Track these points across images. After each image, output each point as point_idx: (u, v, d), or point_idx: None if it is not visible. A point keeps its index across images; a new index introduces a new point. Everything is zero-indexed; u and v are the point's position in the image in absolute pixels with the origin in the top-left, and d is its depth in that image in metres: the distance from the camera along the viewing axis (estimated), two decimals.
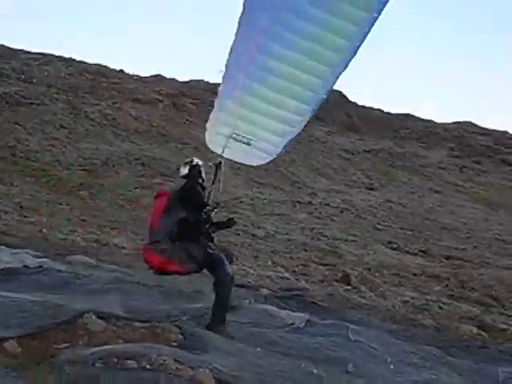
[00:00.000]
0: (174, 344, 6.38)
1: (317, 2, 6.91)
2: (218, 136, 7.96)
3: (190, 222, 7.36)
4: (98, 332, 6.36)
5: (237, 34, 7.28)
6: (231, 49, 7.38)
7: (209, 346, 6.47)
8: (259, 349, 6.89)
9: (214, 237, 7.74)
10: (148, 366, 5.33)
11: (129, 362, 5.34)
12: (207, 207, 7.53)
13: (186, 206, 7.39)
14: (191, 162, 7.70)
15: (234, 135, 7.73)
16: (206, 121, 8.10)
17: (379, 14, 6.85)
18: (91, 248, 12.53)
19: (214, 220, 7.70)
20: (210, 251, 7.41)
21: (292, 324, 8.13)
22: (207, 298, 8.74)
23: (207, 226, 7.55)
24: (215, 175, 7.72)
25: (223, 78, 7.74)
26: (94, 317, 6.54)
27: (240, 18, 7.13)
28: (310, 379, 6.24)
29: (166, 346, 6.05)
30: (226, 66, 7.60)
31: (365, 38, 6.97)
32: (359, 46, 7.10)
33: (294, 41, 7.21)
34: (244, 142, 7.80)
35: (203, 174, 7.74)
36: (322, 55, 7.31)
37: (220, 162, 7.74)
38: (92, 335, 6.26)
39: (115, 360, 5.35)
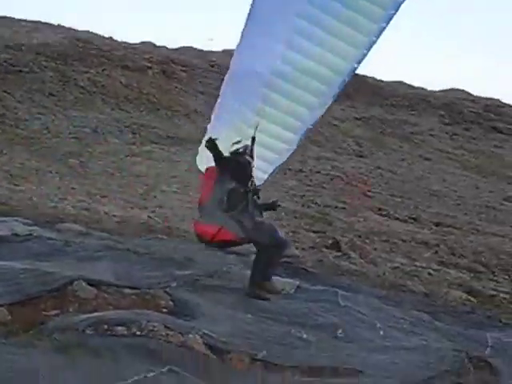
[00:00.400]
0: (164, 310, 6.41)
1: (302, 50, 7.58)
2: (209, 161, 8.11)
3: (239, 193, 7.58)
4: (89, 299, 6.38)
5: (236, 64, 7.71)
6: (231, 79, 7.75)
7: (199, 312, 6.51)
8: (249, 315, 6.92)
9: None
10: (138, 333, 5.35)
11: (119, 328, 5.37)
12: (252, 178, 7.80)
13: (234, 176, 7.61)
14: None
15: None
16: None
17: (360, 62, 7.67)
18: (81, 216, 12.49)
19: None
20: (259, 220, 7.71)
21: (282, 290, 8.16)
22: (198, 265, 8.78)
23: (255, 196, 7.79)
24: (251, 149, 7.89)
25: (219, 105, 8.14)
26: (84, 284, 6.56)
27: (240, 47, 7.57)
28: (299, 344, 6.29)
29: (155, 313, 6.08)
30: (224, 94, 7.95)
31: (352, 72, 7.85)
32: (345, 80, 7.94)
33: (293, 75, 7.77)
34: None
35: (248, 151, 7.89)
36: (315, 87, 7.92)
37: (254, 138, 7.89)
38: (82, 302, 6.28)
39: (105, 327, 5.37)
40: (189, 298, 6.92)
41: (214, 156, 7.64)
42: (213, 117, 8.31)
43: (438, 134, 35.98)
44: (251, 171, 7.84)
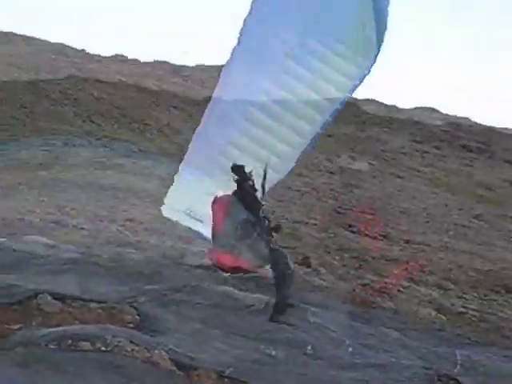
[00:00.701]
0: (131, 325, 6.30)
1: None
2: (175, 212, 8.77)
3: (253, 222, 7.86)
4: (53, 313, 6.26)
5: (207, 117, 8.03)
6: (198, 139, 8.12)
7: (165, 327, 6.41)
8: (217, 330, 6.83)
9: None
10: (103, 348, 5.24)
11: (83, 343, 5.24)
12: (263, 207, 8.07)
13: (246, 207, 7.88)
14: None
15: (188, 211, 8.52)
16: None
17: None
18: (49, 228, 12.30)
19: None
20: (273, 247, 7.93)
21: (251, 306, 8.08)
22: (166, 279, 8.67)
23: (267, 224, 8.04)
24: (264, 178, 8.19)
25: (185, 160, 8.61)
26: (48, 297, 6.43)
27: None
28: (268, 361, 6.21)
29: (121, 328, 5.96)
30: (192, 149, 8.23)
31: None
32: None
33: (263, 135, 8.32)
34: (197, 220, 8.57)
35: (253, 177, 8.12)
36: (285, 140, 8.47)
37: (265, 170, 8.21)
38: (46, 316, 6.16)
39: (69, 341, 5.25)
40: (156, 313, 6.81)
41: (239, 181, 7.92)
42: (182, 168, 8.64)
43: (408, 152, 36.19)
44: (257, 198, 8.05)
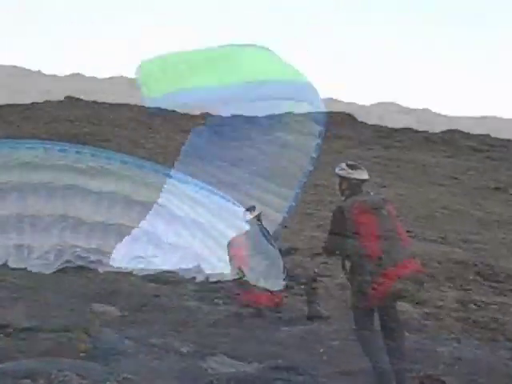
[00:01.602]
0: (82, 354, 5.75)
1: None
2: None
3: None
4: None
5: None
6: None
7: (121, 353, 5.89)
8: (183, 349, 6.34)
9: None
10: None
11: (25, 381, 4.71)
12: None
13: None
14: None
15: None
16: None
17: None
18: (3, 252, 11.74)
19: None
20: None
21: (218, 320, 7.64)
22: (126, 299, 8.19)
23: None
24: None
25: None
26: None
27: None
28: (237, 375, 5.75)
29: (69, 360, 5.40)
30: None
31: None
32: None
33: None
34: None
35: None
36: None
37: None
38: None
39: (10, 379, 4.72)
40: (112, 338, 6.30)
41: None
42: None
43: (372, 147, 36.09)
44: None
